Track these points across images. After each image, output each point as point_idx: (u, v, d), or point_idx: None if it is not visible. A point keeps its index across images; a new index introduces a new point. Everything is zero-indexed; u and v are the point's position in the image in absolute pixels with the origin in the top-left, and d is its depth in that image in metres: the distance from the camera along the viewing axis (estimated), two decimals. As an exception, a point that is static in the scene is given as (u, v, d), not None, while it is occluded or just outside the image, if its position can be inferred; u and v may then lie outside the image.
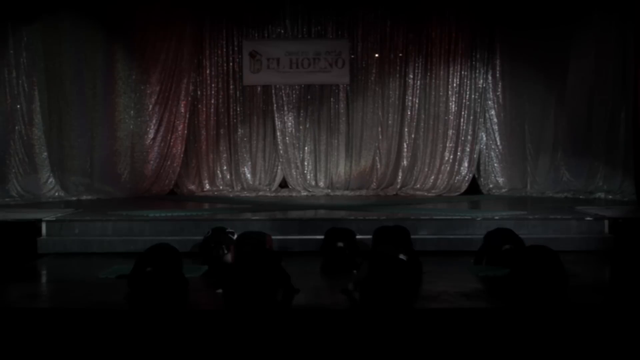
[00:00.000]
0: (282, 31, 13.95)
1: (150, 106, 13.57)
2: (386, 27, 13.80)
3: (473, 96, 13.80)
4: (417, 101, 13.86)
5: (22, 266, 8.39)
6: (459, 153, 13.79)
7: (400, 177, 13.89)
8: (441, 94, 13.83)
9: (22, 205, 11.46)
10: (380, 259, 6.72)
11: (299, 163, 14.01)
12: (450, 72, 13.78)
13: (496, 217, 9.71)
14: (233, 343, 5.52)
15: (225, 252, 8.02)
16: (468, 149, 13.80)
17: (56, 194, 12.48)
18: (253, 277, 6.28)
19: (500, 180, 13.73)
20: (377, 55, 13.88)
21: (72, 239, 9.35)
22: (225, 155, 14.05)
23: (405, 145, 13.89)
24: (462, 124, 13.78)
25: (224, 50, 13.97)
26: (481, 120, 13.82)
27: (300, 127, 14.05)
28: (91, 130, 12.90)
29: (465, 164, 13.82)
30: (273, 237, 8.67)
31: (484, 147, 13.87)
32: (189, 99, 13.82)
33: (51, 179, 12.48)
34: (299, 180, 13.95)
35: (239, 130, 14.03)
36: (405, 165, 13.90)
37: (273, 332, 5.64)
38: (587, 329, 5.64)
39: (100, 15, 12.72)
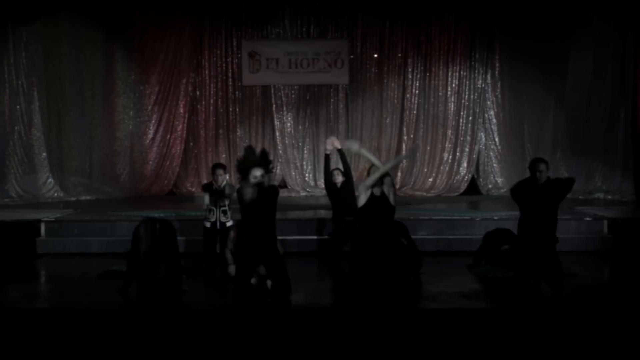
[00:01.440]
0: (282, 31, 13.96)
1: (150, 106, 13.57)
2: (385, 27, 13.81)
3: (472, 96, 13.81)
4: (416, 101, 13.87)
5: (21, 266, 8.39)
6: (458, 153, 13.80)
7: (399, 177, 13.88)
8: (440, 94, 13.84)
9: (21, 206, 11.46)
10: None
11: (298, 163, 14.02)
12: (450, 72, 13.79)
13: (495, 218, 9.71)
14: (233, 343, 5.53)
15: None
16: (467, 149, 13.81)
17: (55, 194, 12.47)
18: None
19: (500, 180, 13.73)
20: (376, 55, 13.88)
21: (71, 239, 9.35)
22: (224, 155, 14.05)
23: (404, 146, 13.90)
24: (461, 124, 13.79)
25: (223, 50, 13.97)
26: (480, 120, 13.83)
27: (300, 128, 14.05)
28: (90, 130, 12.91)
29: (465, 164, 13.83)
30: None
31: (483, 147, 13.88)
32: (188, 99, 13.83)
33: (50, 180, 12.47)
34: (298, 180, 13.95)
35: (238, 130, 14.03)
36: (405, 165, 13.90)
37: (273, 332, 5.64)
38: (587, 328, 5.65)
39: (100, 15, 12.73)
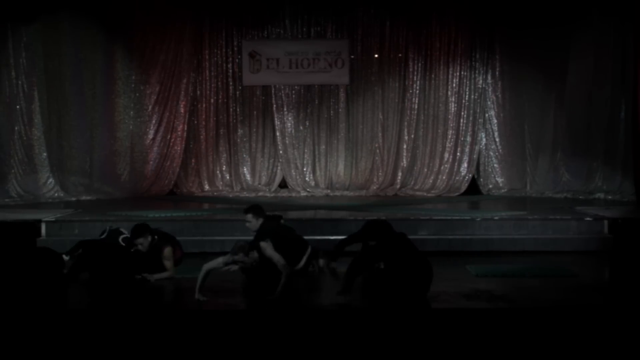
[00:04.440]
0: (282, 31, 13.96)
1: (150, 106, 13.58)
2: (386, 27, 13.81)
3: (472, 96, 13.81)
4: (416, 101, 13.87)
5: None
6: (458, 153, 13.80)
7: (399, 178, 13.89)
8: (441, 94, 13.84)
9: (21, 206, 11.45)
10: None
11: (299, 163, 14.02)
12: (450, 72, 13.79)
13: (495, 218, 9.72)
14: (232, 342, 5.53)
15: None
16: (467, 149, 13.81)
17: (56, 194, 12.47)
18: None
19: (500, 180, 13.74)
20: (376, 55, 13.89)
21: (71, 239, 9.30)
22: (224, 155, 14.06)
23: (404, 146, 13.90)
24: (461, 124, 13.80)
25: (224, 50, 13.98)
26: (481, 120, 13.83)
27: (300, 128, 14.06)
28: (91, 130, 12.91)
29: (465, 164, 13.83)
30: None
31: (484, 147, 13.88)
32: (189, 99, 13.84)
33: (51, 180, 12.47)
34: (299, 180, 13.96)
35: (239, 130, 14.04)
36: (405, 165, 13.90)
37: (273, 332, 5.65)
38: (587, 329, 5.65)
39: (100, 15, 12.73)
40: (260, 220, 7.53)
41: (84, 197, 12.67)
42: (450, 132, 13.81)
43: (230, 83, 14.01)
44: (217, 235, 9.19)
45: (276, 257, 6.73)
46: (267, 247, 6.83)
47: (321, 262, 7.40)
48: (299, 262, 7.25)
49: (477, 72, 13.83)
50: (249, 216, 7.58)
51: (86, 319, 5.94)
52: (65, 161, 12.66)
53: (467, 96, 13.81)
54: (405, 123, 13.89)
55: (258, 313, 6.18)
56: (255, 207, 7.75)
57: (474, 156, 13.82)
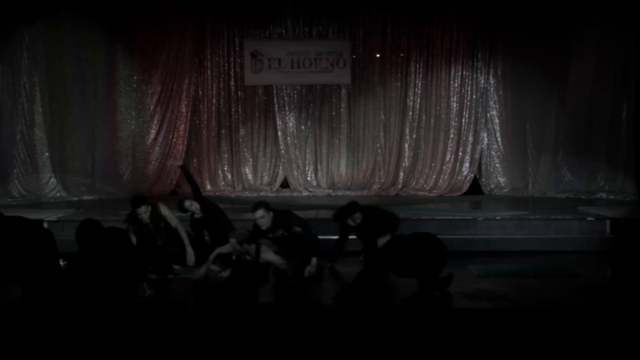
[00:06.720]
0: (284, 31, 13.97)
1: (152, 106, 13.59)
2: (387, 27, 13.81)
3: (474, 96, 13.80)
4: (418, 101, 13.87)
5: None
6: (460, 153, 13.79)
7: (401, 177, 13.89)
8: (442, 94, 13.84)
9: (23, 206, 11.47)
10: None
11: (300, 163, 14.02)
12: (452, 72, 13.78)
13: (497, 217, 9.72)
14: (231, 342, 5.53)
15: None
16: (469, 149, 13.80)
17: (57, 194, 12.49)
18: None
19: (502, 180, 13.73)
20: (378, 55, 13.89)
21: (73, 239, 9.30)
22: (226, 155, 14.06)
23: (406, 146, 13.90)
24: (463, 124, 13.79)
25: (225, 50, 13.98)
26: (482, 120, 13.82)
27: (302, 127, 14.06)
28: (92, 130, 12.92)
29: (467, 164, 13.82)
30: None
31: (486, 147, 13.87)
32: (190, 99, 13.84)
33: (53, 179, 12.50)
34: (300, 180, 13.96)
35: (240, 130, 14.05)
36: (407, 165, 13.90)
37: (271, 331, 5.65)
38: (589, 329, 5.64)
39: (102, 15, 12.74)
40: (271, 215, 7.28)
41: (85, 197, 12.69)
42: (452, 131, 13.80)
43: (232, 83, 14.02)
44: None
45: (276, 259, 6.68)
46: (267, 250, 6.73)
47: (314, 260, 7.23)
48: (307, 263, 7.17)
49: (479, 71, 13.82)
50: (261, 211, 7.21)
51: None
52: (67, 161, 12.68)
53: (469, 96, 13.80)
54: (407, 123, 13.89)
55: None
56: (263, 202, 7.49)
57: (476, 156, 13.81)
